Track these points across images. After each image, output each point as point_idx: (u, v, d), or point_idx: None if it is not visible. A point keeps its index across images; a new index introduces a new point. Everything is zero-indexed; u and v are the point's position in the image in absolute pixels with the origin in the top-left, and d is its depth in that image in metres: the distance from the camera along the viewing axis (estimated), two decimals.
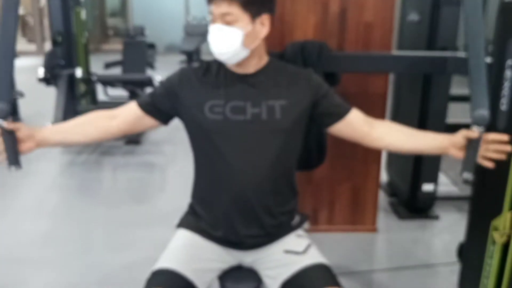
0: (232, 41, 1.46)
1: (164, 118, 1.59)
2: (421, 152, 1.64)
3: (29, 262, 2.72)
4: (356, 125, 1.59)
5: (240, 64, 1.52)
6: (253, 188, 1.51)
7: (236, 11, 1.43)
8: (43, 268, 2.66)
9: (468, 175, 1.44)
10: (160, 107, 1.57)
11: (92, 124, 1.55)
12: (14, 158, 1.40)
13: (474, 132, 1.41)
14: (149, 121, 1.58)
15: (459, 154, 1.45)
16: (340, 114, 1.58)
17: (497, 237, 1.63)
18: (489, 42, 1.73)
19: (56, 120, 4.37)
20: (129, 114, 1.57)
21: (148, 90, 4.82)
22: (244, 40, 1.46)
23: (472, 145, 1.42)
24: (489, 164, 1.42)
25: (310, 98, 1.56)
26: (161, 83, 1.61)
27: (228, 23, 1.45)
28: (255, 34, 1.49)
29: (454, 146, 1.47)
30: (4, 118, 1.37)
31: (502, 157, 1.41)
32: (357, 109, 1.61)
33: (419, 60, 2.57)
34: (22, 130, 1.41)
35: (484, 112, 1.40)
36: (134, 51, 5.82)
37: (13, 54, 1.39)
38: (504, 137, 1.40)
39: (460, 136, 1.45)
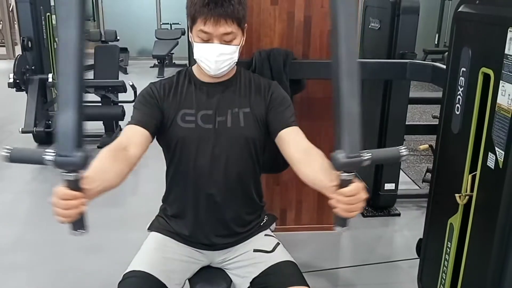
0: (232, 59, 1.49)
1: (155, 130, 1.51)
2: (315, 186, 1.34)
3: (0, 267, 2.69)
4: (290, 143, 1.47)
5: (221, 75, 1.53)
6: (222, 193, 1.56)
7: (235, 29, 1.45)
8: (15, 274, 2.63)
9: (339, 229, 1.17)
10: (151, 119, 1.50)
11: (118, 160, 1.33)
12: (79, 221, 1.18)
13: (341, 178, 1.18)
14: (149, 136, 1.48)
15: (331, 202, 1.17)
16: (280, 124, 1.51)
17: (458, 199, 1.69)
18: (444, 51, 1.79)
19: (27, 126, 4.30)
20: (136, 137, 1.45)
21: (120, 95, 4.84)
22: (238, 53, 1.51)
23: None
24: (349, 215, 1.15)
25: (265, 106, 1.56)
26: (138, 100, 1.55)
27: (228, 42, 1.46)
28: (242, 45, 1.53)
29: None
30: (80, 170, 1.08)
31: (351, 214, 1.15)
32: (301, 133, 1.50)
33: (381, 67, 2.65)
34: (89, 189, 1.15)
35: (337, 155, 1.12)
36: (106, 55, 5.78)
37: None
38: (354, 192, 1.17)
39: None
